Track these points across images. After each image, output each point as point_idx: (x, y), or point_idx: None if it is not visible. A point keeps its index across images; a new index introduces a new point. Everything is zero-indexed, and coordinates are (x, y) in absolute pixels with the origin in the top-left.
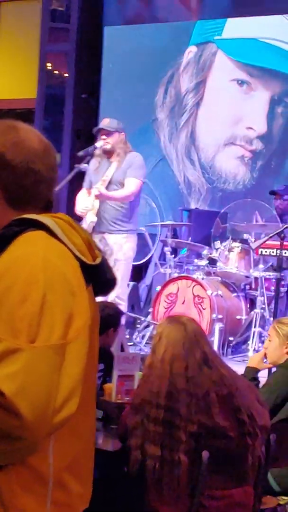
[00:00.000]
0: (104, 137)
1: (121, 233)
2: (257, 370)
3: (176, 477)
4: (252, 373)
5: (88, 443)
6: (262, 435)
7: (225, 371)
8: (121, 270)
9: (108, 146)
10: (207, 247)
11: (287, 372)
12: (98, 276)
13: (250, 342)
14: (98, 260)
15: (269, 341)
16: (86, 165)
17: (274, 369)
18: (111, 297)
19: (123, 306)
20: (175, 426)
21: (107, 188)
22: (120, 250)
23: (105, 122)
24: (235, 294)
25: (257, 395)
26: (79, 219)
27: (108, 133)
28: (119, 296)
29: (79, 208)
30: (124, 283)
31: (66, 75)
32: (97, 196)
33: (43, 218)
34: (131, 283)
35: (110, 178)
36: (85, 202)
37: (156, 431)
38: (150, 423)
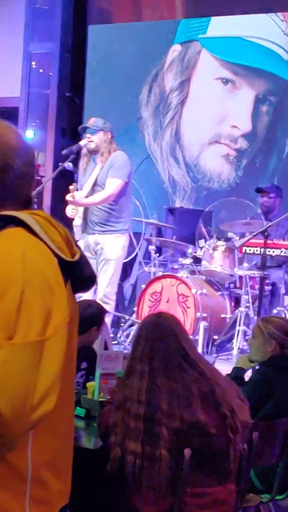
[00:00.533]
0: (88, 135)
1: (110, 233)
2: (243, 370)
3: (157, 472)
4: (236, 372)
5: (66, 440)
6: (243, 430)
7: (204, 366)
8: (110, 270)
9: (92, 145)
10: (191, 246)
11: (269, 370)
12: (77, 273)
13: (234, 340)
14: (76, 257)
15: (253, 338)
16: (70, 163)
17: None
18: (98, 297)
19: (111, 306)
20: (156, 422)
21: (92, 190)
22: (109, 250)
23: (90, 121)
24: (220, 292)
25: (237, 391)
26: (70, 220)
27: (93, 132)
28: (106, 295)
29: (67, 211)
30: (113, 282)
31: (51, 73)
32: (70, 202)
33: (22, 215)
34: None
35: (95, 180)
36: (71, 206)
37: (137, 427)
38: (131, 419)
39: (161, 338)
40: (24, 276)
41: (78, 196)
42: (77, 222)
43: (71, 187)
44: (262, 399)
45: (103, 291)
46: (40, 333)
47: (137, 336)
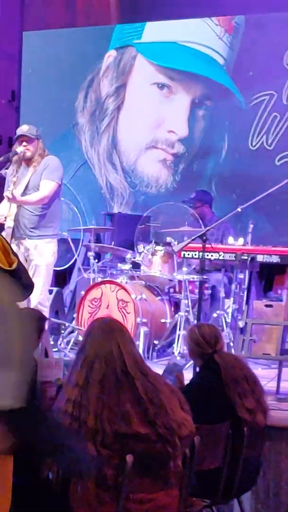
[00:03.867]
0: (25, 143)
1: (40, 238)
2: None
3: (82, 489)
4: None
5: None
6: (185, 441)
7: (142, 382)
8: (42, 276)
9: (29, 154)
10: (130, 251)
11: (206, 373)
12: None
13: (175, 345)
14: (14, 266)
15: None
16: (6, 170)
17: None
18: (33, 304)
19: (46, 312)
20: (81, 435)
21: (23, 193)
22: (40, 256)
23: (24, 129)
24: (159, 297)
25: (180, 400)
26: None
27: (29, 140)
28: (41, 302)
29: None
30: (45, 289)
31: None
32: (9, 199)
33: None
34: (55, 289)
35: (27, 184)
36: (2, 209)
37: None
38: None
39: (103, 353)
40: None
41: (16, 193)
42: (10, 224)
43: (14, 179)
44: (202, 402)
45: (38, 299)
46: None
47: (83, 341)
